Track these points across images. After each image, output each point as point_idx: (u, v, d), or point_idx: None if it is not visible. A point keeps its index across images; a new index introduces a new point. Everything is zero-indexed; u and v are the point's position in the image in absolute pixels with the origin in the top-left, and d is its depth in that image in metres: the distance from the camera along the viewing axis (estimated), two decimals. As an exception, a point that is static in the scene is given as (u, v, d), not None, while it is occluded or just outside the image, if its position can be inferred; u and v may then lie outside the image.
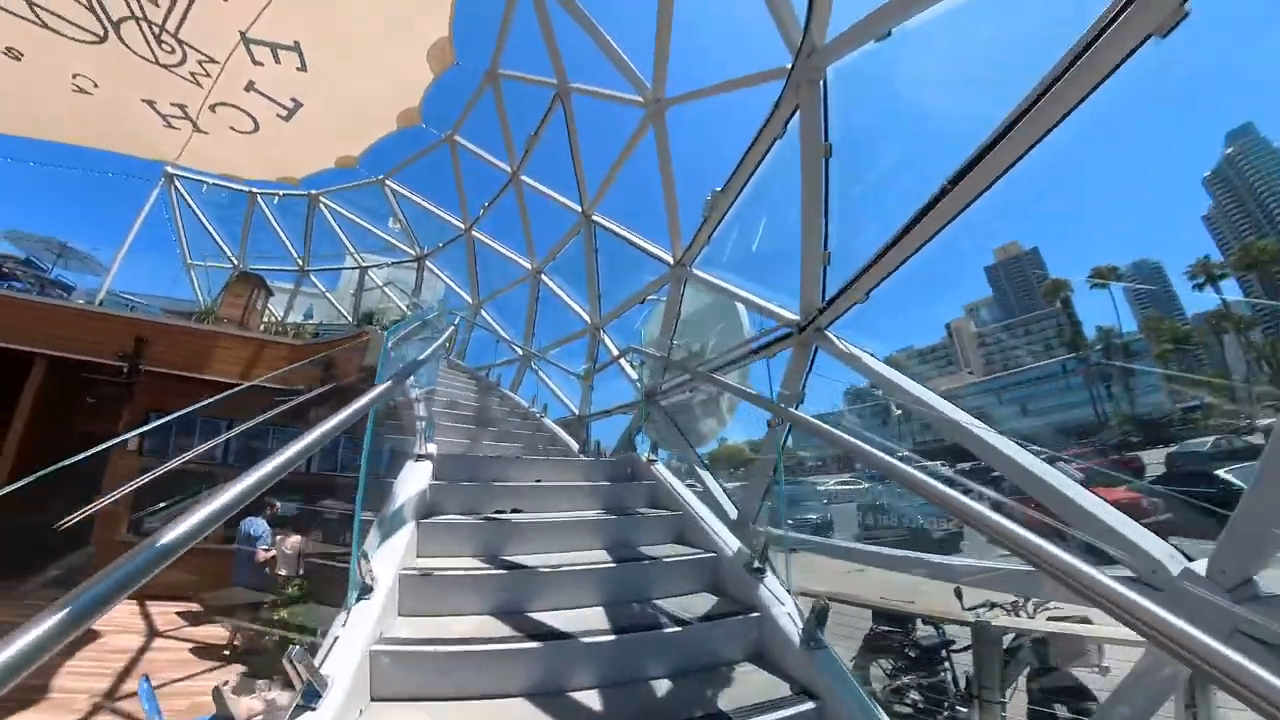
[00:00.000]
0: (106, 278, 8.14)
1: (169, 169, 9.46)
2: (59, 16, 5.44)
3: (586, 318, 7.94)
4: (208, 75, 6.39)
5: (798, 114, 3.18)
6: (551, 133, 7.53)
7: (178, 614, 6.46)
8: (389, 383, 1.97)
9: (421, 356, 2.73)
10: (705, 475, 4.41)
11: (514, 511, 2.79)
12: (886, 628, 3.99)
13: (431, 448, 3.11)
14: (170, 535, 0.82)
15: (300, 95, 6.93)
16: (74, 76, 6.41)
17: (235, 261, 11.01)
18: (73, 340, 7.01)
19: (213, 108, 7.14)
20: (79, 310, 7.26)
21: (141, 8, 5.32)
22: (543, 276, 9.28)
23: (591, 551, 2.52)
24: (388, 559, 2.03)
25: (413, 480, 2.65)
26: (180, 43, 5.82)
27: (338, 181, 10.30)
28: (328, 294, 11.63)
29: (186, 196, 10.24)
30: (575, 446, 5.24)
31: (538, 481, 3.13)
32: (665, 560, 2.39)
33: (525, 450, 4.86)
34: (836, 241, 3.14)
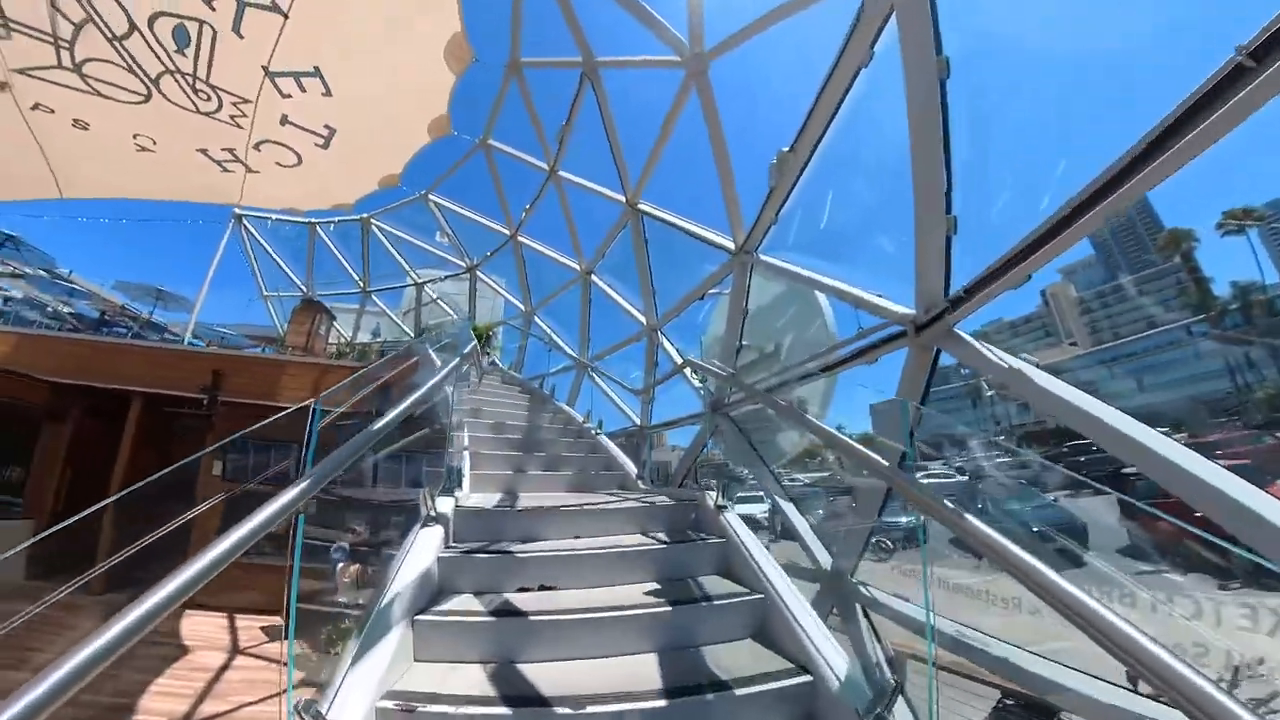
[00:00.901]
0: (191, 317, 8.72)
1: (236, 210, 9.97)
2: (107, 82, 5.61)
3: (642, 319, 7.28)
4: (245, 116, 6.41)
5: (891, 23, 2.27)
6: (585, 120, 6.89)
7: (261, 629, 6.76)
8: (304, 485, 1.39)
9: (384, 421, 2.12)
10: (788, 508, 3.59)
11: (542, 589, 2.21)
12: None
13: (446, 504, 2.60)
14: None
15: (332, 121, 6.80)
16: (134, 137, 6.67)
17: (304, 289, 11.62)
18: (161, 377, 7.55)
19: (257, 146, 7.21)
20: (165, 350, 7.76)
21: (173, 60, 5.35)
22: (593, 277, 8.73)
23: (637, 658, 1.86)
24: (364, 682, 1.49)
25: (415, 556, 2.13)
26: (213, 89, 5.84)
27: (385, 202, 10.42)
28: (388, 312, 12.00)
29: (255, 233, 10.88)
30: (633, 470, 4.62)
31: (576, 540, 2.54)
32: (738, 693, 1.66)
33: (575, 480, 4.29)
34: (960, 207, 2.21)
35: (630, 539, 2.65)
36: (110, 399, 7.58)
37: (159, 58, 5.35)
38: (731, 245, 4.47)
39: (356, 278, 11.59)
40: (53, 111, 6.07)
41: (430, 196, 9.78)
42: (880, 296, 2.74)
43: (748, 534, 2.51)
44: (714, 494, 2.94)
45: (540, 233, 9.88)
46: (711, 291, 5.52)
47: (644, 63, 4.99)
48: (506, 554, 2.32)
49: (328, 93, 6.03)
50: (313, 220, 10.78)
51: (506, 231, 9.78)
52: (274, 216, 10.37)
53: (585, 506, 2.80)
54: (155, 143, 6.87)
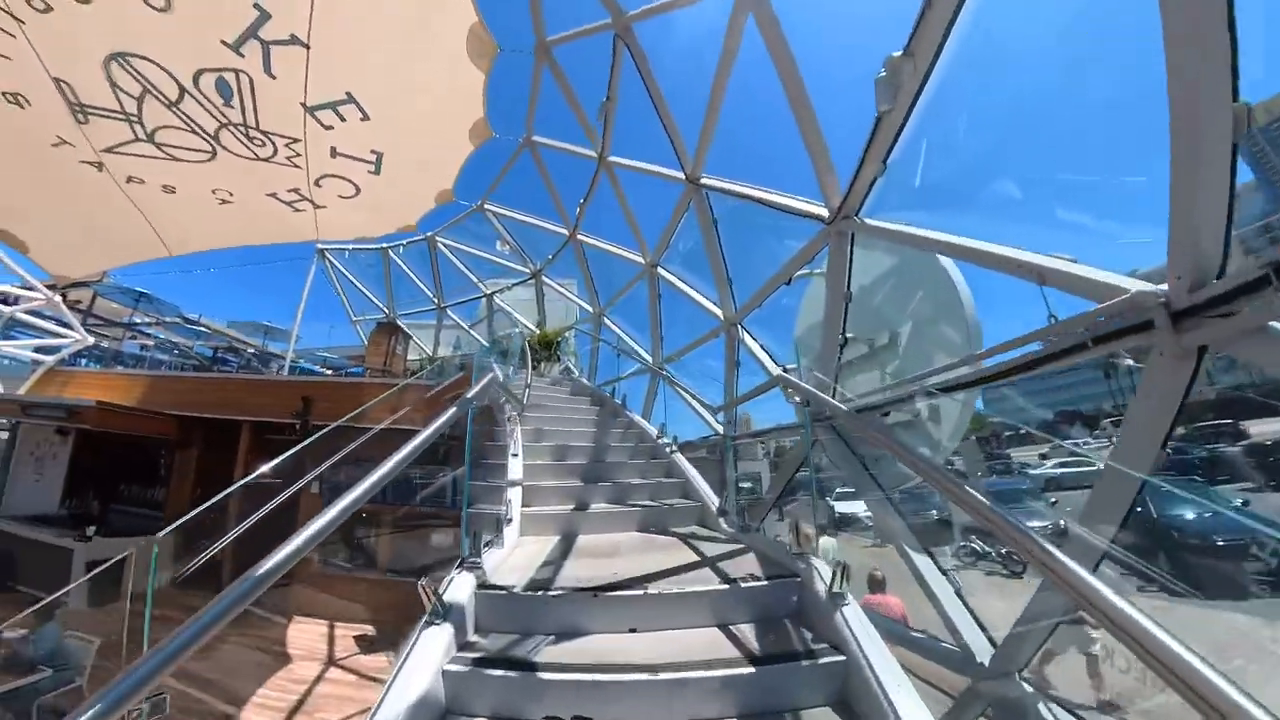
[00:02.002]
0: (289, 348, 9.51)
1: (319, 245, 10.67)
2: (177, 146, 6.02)
3: (718, 312, 6.47)
4: (299, 155, 6.60)
5: None
6: (628, 93, 6.15)
7: (355, 638, 7.15)
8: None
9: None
10: (923, 566, 2.67)
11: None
12: None
13: (464, 585, 2.11)
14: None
15: (376, 145, 6.81)
16: (214, 192, 7.18)
17: (386, 311, 12.36)
18: (262, 405, 8.24)
19: (317, 183, 7.45)
20: (262, 380, 8.51)
21: (223, 114, 5.57)
22: (659, 270, 8.05)
23: None
24: None
25: (410, 674, 1.64)
26: (265, 134, 6.05)
27: (446, 218, 10.59)
28: (462, 324, 12.37)
29: (337, 264, 11.70)
30: (713, 500, 3.90)
31: (631, 635, 1.92)
32: None
33: (645, 517, 3.69)
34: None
35: (702, 641, 1.97)
36: (223, 427, 8.53)
37: (211, 114, 5.60)
38: (824, 211, 3.51)
39: (430, 295, 12.04)
40: (143, 181, 6.66)
41: (486, 206, 9.71)
42: (1083, 266, 1.73)
43: (878, 648, 1.71)
44: (823, 566, 2.15)
45: (599, 227, 9.39)
46: (800, 273, 4.56)
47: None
48: (532, 671, 1.77)
49: (366, 117, 5.99)
50: (384, 245, 11.31)
51: (565, 231, 9.42)
52: (350, 246, 11.01)
53: (648, 591, 2.15)
54: (232, 194, 7.36)
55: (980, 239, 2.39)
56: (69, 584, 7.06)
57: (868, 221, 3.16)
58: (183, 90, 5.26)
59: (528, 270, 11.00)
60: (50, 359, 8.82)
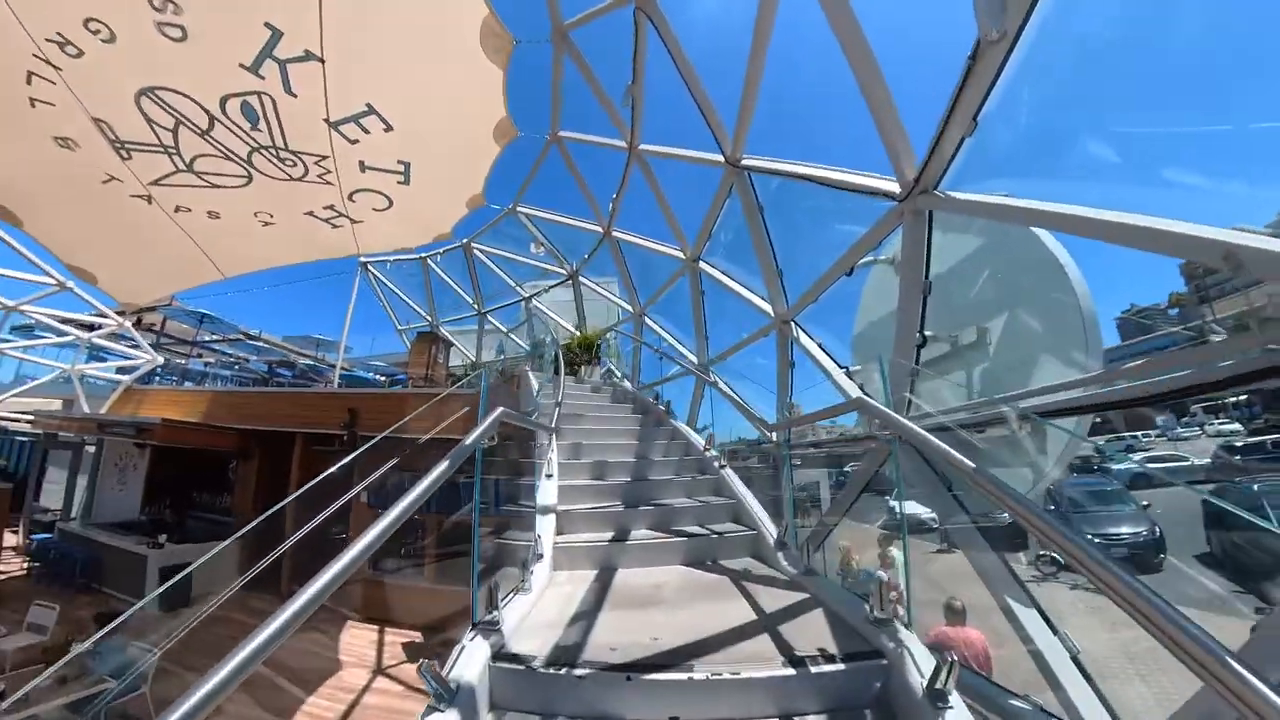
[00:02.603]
0: (338, 358, 9.84)
1: (361, 259, 10.95)
2: (215, 174, 6.23)
3: (768, 308, 5.98)
4: (330, 171, 6.67)
5: None
6: (656, 73, 5.73)
7: (402, 645, 7.23)
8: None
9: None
10: (1033, 625, 2.15)
11: None
12: None
13: (477, 657, 1.83)
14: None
15: (402, 155, 6.77)
16: (255, 215, 7.41)
17: (429, 319, 12.62)
18: (311, 417, 8.53)
19: (350, 198, 7.53)
20: (310, 394, 8.83)
21: (252, 138, 5.69)
22: (701, 265, 7.61)
23: None
24: None
25: None
26: (294, 154, 6.14)
27: (480, 223, 10.60)
28: (501, 329, 12.44)
29: (380, 276, 12.03)
30: (769, 528, 3.48)
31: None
32: None
33: (693, 550, 3.33)
34: None
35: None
36: (279, 438, 8.98)
37: (242, 139, 5.72)
38: (894, 186, 2.98)
39: (470, 301, 12.15)
40: (190, 210, 6.94)
41: (519, 208, 9.58)
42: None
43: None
44: (916, 645, 1.71)
45: (635, 223, 9.03)
46: (864, 261, 4.01)
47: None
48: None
49: (389, 127, 5.93)
50: (423, 255, 11.49)
51: (599, 229, 9.13)
52: (391, 258, 11.25)
53: (693, 676, 1.79)
54: (272, 216, 7.57)
55: (1098, 209, 1.84)
56: (144, 587, 7.63)
57: (954, 195, 2.60)
58: (211, 118, 5.36)
59: (564, 271, 10.83)
60: (127, 378, 9.59)
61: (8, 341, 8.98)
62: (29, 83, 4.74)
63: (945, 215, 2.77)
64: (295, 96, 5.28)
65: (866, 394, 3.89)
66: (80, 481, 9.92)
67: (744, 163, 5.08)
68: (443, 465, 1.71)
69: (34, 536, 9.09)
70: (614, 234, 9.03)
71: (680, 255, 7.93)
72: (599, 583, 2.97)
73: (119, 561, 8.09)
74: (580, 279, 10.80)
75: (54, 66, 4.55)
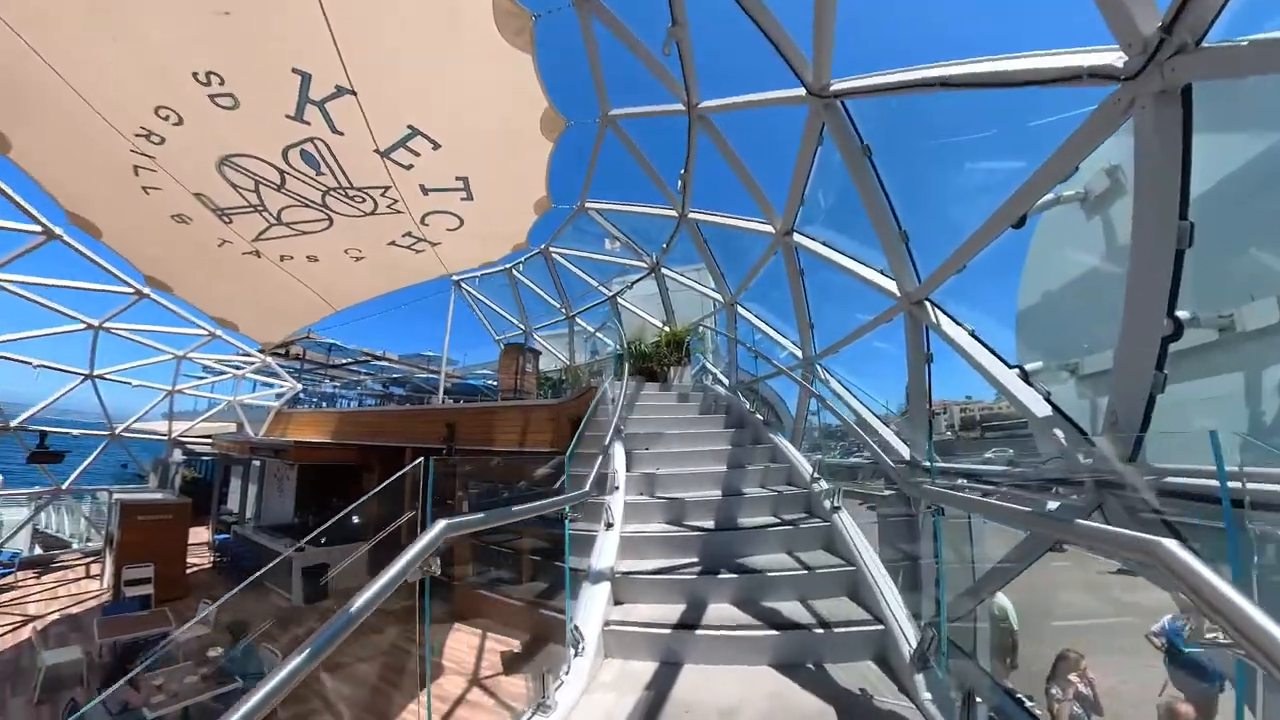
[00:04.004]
0: (441, 373, 10.46)
1: (454, 277, 11.44)
2: (301, 221, 6.67)
3: (889, 285, 4.70)
4: (397, 200, 6.79)
5: None
6: (701, 7, 4.73)
7: (501, 654, 7.28)
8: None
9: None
10: None
11: None
12: None
13: None
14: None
15: (458, 170, 6.66)
16: (345, 252, 7.89)
17: (522, 327, 12.93)
18: (417, 433, 9.10)
19: (423, 222, 7.66)
20: (415, 410, 9.45)
21: (319, 182, 5.93)
22: (796, 237, 6.44)
23: None
24: None
25: None
26: (360, 191, 6.31)
27: (554, 226, 10.39)
28: (588, 328, 12.32)
29: (473, 292, 12.55)
30: (902, 631, 2.50)
31: None
32: None
33: (788, 649, 2.53)
34: None
35: None
36: (392, 452, 9.82)
37: (312, 186, 5.97)
38: (1116, 57, 1.83)
39: (558, 306, 12.15)
40: (292, 257, 7.57)
41: (587, 204, 9.14)
42: None
43: None
44: None
45: (713, 199, 8.04)
46: (1047, 199, 2.76)
47: None
48: None
49: (436, 145, 5.78)
50: (507, 266, 11.69)
51: (674, 213, 8.31)
52: (479, 273, 11.62)
53: None
54: (361, 251, 8.02)
55: None
56: (292, 583, 8.83)
57: (1238, 46, 1.41)
58: (281, 172, 5.64)
59: (645, 264, 10.21)
60: (276, 404, 11.30)
61: (186, 381, 11.21)
62: (136, 174, 5.34)
63: (1213, 97, 1.56)
64: (342, 134, 5.32)
65: (1058, 409, 2.67)
66: (251, 490, 12.02)
67: (833, 88, 3.91)
68: (371, 592, 1.23)
69: (217, 536, 11.26)
70: (690, 216, 8.14)
71: (769, 230, 6.79)
72: (654, 690, 2.33)
73: (273, 560, 9.53)
74: (662, 270, 10.09)
75: (148, 156, 5.05)
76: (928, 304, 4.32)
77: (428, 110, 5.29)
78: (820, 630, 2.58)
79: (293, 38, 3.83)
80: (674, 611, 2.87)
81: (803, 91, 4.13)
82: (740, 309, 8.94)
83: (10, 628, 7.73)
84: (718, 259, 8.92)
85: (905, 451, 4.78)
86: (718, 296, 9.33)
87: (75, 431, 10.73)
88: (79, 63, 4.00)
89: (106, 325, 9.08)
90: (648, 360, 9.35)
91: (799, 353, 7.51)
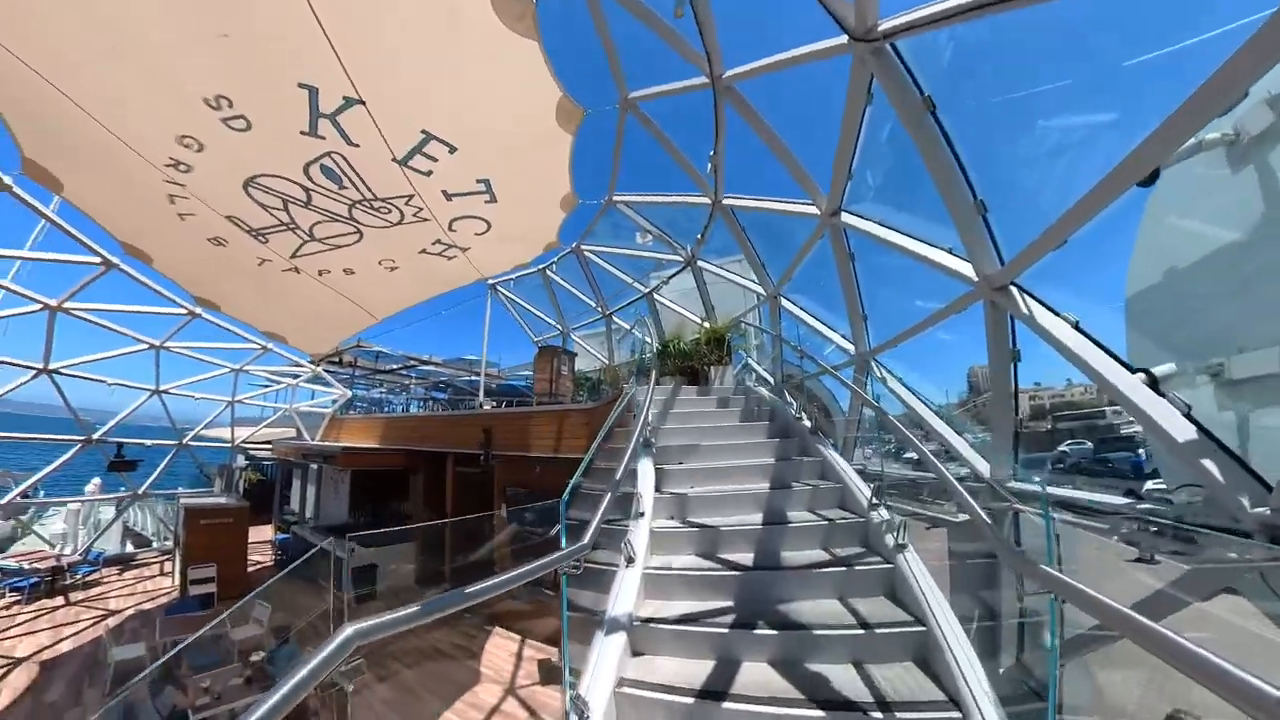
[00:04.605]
0: (481, 375, 10.50)
1: (489, 281, 11.40)
2: (333, 236, 6.75)
3: (966, 271, 3.97)
4: (422, 208, 6.69)
5: None
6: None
7: (539, 662, 7.17)
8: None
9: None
10: None
11: None
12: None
13: None
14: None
15: (478, 173, 6.46)
16: (380, 263, 7.93)
17: (560, 328, 12.77)
18: (456, 438, 9.12)
19: (450, 227, 7.55)
20: (454, 416, 9.51)
21: (345, 196, 5.93)
22: (844, 217, 5.76)
23: None
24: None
25: None
26: (385, 201, 6.28)
27: (583, 224, 10.10)
28: (624, 325, 12.00)
29: (508, 294, 12.49)
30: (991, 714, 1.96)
31: None
32: None
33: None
34: None
35: None
36: (435, 456, 10.00)
37: (337, 200, 5.97)
38: None
39: (594, 305, 11.87)
40: (329, 271, 7.67)
41: (615, 198, 8.73)
42: None
43: None
44: None
45: (749, 182, 7.42)
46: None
47: None
48: None
49: (452, 149, 5.60)
50: (541, 267, 11.52)
51: (706, 200, 7.75)
52: (513, 276, 11.53)
53: None
54: (394, 261, 8.04)
55: None
56: (343, 582, 9.12)
57: None
58: (305, 189, 5.63)
59: (680, 257, 9.70)
60: (329, 410, 11.78)
61: (247, 390, 11.97)
62: (172, 203, 5.47)
63: None
64: (358, 146, 5.25)
65: (1208, 433, 2.01)
66: (310, 491, 12.66)
67: (882, 28, 3.29)
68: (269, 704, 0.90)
69: (279, 536, 11.90)
70: (725, 201, 7.55)
71: (813, 211, 6.12)
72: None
73: (326, 560, 9.92)
74: (698, 263, 9.53)
75: (179, 184, 5.17)
76: (1014, 289, 3.60)
77: (439, 113, 5.10)
78: (879, 715, 2.07)
79: (292, 51, 3.72)
80: (701, 671, 2.46)
81: (844, 39, 3.52)
82: (784, 301, 8.27)
83: (92, 622, 8.44)
84: (757, 248, 8.30)
85: (984, 467, 4.08)
86: (760, 289, 8.70)
87: (148, 441, 11.80)
88: (106, 101, 4.03)
89: (166, 345, 9.84)
90: (687, 359, 8.86)
91: (850, 347, 6.80)
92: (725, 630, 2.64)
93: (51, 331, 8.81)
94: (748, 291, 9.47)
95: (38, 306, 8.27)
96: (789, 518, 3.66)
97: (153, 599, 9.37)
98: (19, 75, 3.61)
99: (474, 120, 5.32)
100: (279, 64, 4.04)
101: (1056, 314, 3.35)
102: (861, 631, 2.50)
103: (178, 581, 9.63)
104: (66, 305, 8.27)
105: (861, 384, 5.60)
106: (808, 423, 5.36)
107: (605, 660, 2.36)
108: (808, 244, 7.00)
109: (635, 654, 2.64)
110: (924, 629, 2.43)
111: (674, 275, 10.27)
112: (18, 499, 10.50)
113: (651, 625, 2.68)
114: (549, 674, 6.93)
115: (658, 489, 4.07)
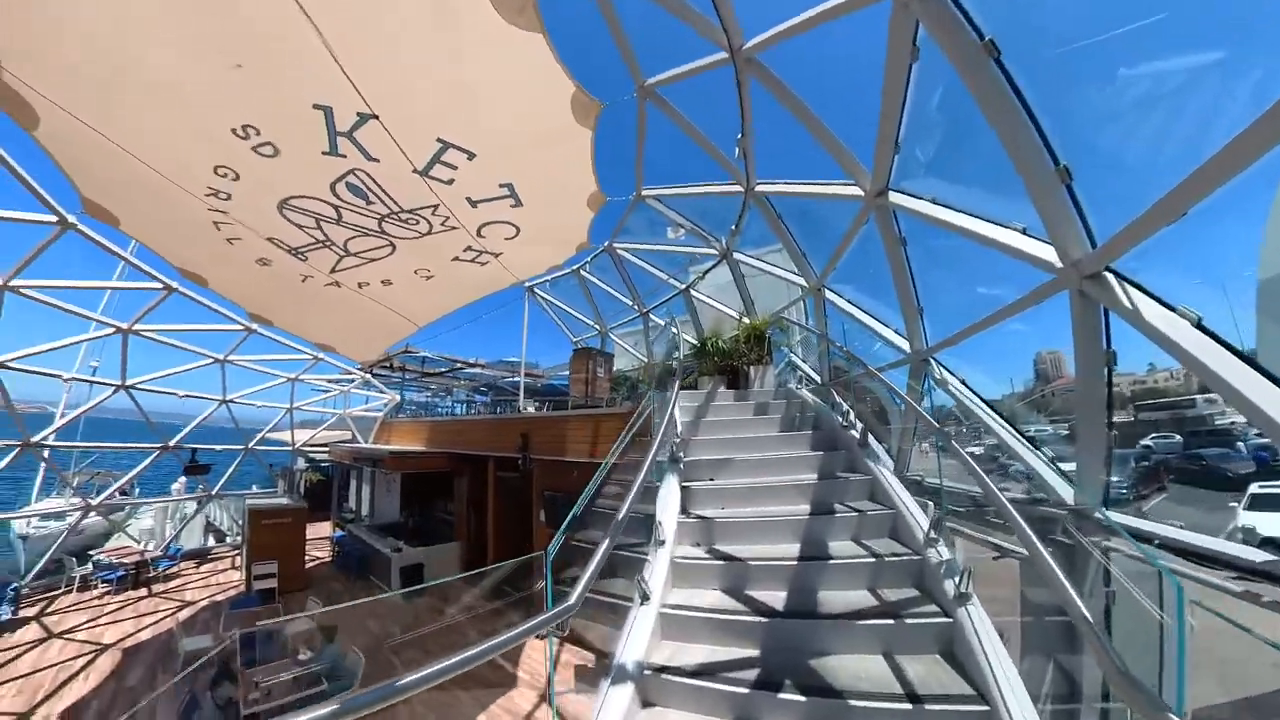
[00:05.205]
0: (520, 377, 10.59)
1: (525, 284, 11.41)
2: (367, 249, 6.92)
3: (1048, 255, 3.35)
4: (449, 217, 6.69)
5: None
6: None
7: (575, 668, 7.07)
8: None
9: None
10: None
11: None
12: None
13: None
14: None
15: (500, 177, 6.36)
16: (415, 273, 8.05)
17: (598, 328, 12.62)
18: (496, 442, 9.27)
19: (479, 234, 7.52)
20: (493, 420, 9.65)
21: (373, 211, 6.04)
22: (891, 197, 5.18)
23: None
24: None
25: None
26: (411, 213, 6.34)
27: (613, 221, 9.82)
28: (660, 323, 11.71)
29: (546, 296, 12.47)
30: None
31: None
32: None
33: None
34: None
35: None
36: (477, 459, 10.20)
37: (366, 216, 6.07)
38: None
39: (630, 303, 11.62)
40: (368, 284, 7.87)
41: (643, 193, 8.39)
42: None
43: None
44: None
45: (783, 164, 6.87)
46: None
47: None
48: None
49: (471, 155, 5.52)
50: (575, 267, 11.39)
51: (738, 187, 7.27)
52: (549, 278, 11.48)
53: None
54: (430, 270, 8.15)
55: None
56: (392, 580, 9.49)
57: None
58: (335, 206, 5.74)
59: (715, 251, 9.24)
60: (380, 414, 12.29)
61: (304, 397, 12.70)
62: (218, 229, 5.73)
63: None
64: (378, 161, 5.29)
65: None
66: (365, 491, 13.33)
67: None
68: None
69: (336, 534, 12.60)
70: (758, 188, 7.04)
71: (856, 193, 5.56)
72: None
73: (377, 559, 10.38)
74: (734, 255, 9.03)
75: (221, 211, 5.38)
76: (1109, 276, 2.97)
77: (452, 119, 5.02)
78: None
79: (303, 73, 3.74)
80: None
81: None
82: (829, 293, 7.66)
83: (170, 612, 9.21)
84: (796, 237, 7.73)
85: (1067, 492, 3.47)
86: (801, 281, 8.11)
87: (218, 446, 12.86)
88: (145, 140, 4.24)
89: (229, 359, 10.62)
90: (726, 358, 8.43)
91: (905, 344, 6.15)
92: (747, 690, 2.33)
93: (125, 351, 9.74)
94: (792, 285, 8.90)
95: (111, 330, 9.12)
96: (830, 551, 3.25)
97: (223, 591, 10.20)
98: (66, 124, 3.82)
99: (489, 123, 5.19)
100: (294, 87, 4.10)
101: (1169, 307, 2.72)
102: (909, 706, 2.11)
103: (243, 576, 10.42)
104: (136, 327, 9.07)
105: (917, 394, 5.00)
106: (855, 432, 4.86)
107: (610, 713, 2.12)
108: (852, 230, 6.40)
109: (645, 705, 2.38)
110: (986, 708, 2.00)
111: (710, 269, 9.83)
112: (116, 495, 11.75)
113: (664, 676, 2.41)
114: (586, 680, 6.84)
115: (683, 510, 3.78)
